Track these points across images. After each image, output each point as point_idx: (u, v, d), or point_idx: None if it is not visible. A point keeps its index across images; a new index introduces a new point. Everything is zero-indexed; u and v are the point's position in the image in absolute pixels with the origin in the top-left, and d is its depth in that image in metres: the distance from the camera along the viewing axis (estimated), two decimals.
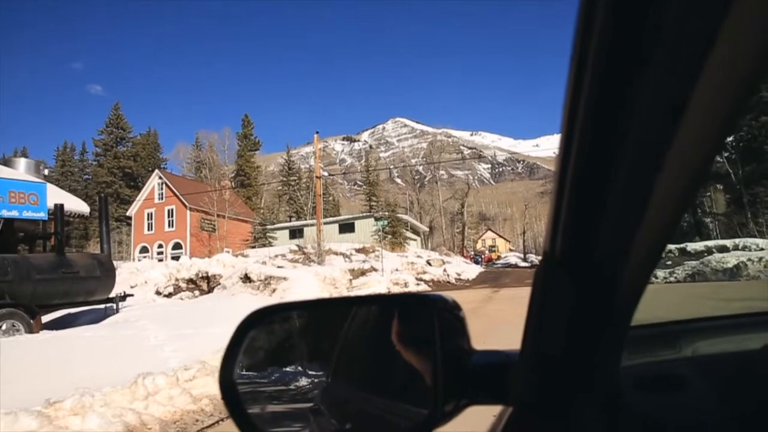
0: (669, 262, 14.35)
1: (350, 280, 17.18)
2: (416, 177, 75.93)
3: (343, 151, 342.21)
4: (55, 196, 11.78)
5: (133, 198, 43.73)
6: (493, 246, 73.24)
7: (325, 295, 13.48)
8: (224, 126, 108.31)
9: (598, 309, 0.49)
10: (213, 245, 35.63)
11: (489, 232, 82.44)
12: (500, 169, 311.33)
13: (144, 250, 38.39)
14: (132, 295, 12.10)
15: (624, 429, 0.57)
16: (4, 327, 7.90)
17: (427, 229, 50.22)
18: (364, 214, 37.24)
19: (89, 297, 9.72)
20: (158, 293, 16.81)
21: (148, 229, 38.82)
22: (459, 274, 23.54)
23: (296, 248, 23.87)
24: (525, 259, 50.56)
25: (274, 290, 13.87)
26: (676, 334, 0.94)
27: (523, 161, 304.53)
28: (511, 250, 73.22)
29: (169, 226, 37.93)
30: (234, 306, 11.38)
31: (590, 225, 0.45)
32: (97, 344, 6.75)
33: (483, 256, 50.71)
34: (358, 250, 24.25)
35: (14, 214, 9.84)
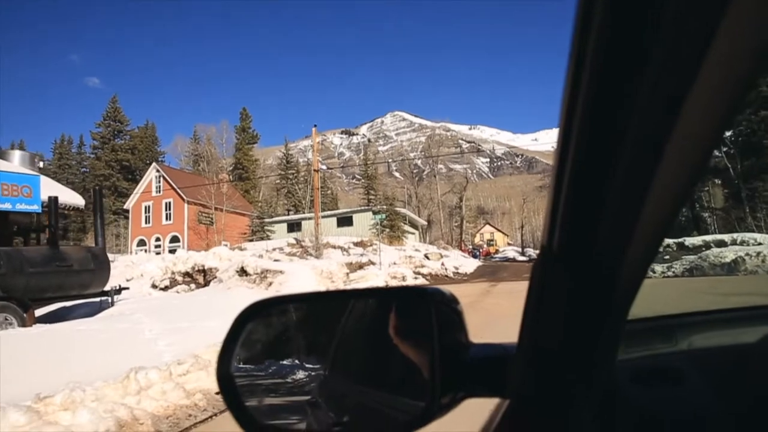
0: (667, 257, 14.39)
1: (347, 273, 17.13)
2: (414, 171, 75.94)
3: (341, 144, 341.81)
4: (50, 188, 11.70)
5: (130, 191, 43.59)
6: (491, 240, 73.29)
7: (322, 288, 13.45)
8: (222, 119, 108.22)
9: (596, 303, 0.50)
10: (211, 238, 35.56)
11: (487, 226, 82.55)
12: (499, 163, 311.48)
13: (141, 243, 38.34)
14: (127, 289, 12.05)
15: (621, 421, 0.58)
16: None
17: (426, 223, 50.21)
18: (363, 208, 37.28)
19: (83, 290, 9.64)
20: (154, 286, 16.74)
21: (146, 222, 38.75)
22: (457, 268, 23.54)
23: (294, 241, 23.82)
24: (523, 253, 50.69)
25: (270, 284, 13.81)
26: (672, 327, 0.95)
27: (522, 155, 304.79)
28: (509, 244, 73.36)
29: (166, 219, 37.84)
30: (229, 299, 11.33)
31: (588, 219, 0.45)
32: (90, 338, 6.68)
33: (481, 250, 50.78)
34: (356, 244, 24.18)
35: (7, 206, 9.77)
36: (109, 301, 10.73)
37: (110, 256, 12.74)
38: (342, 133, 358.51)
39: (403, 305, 0.67)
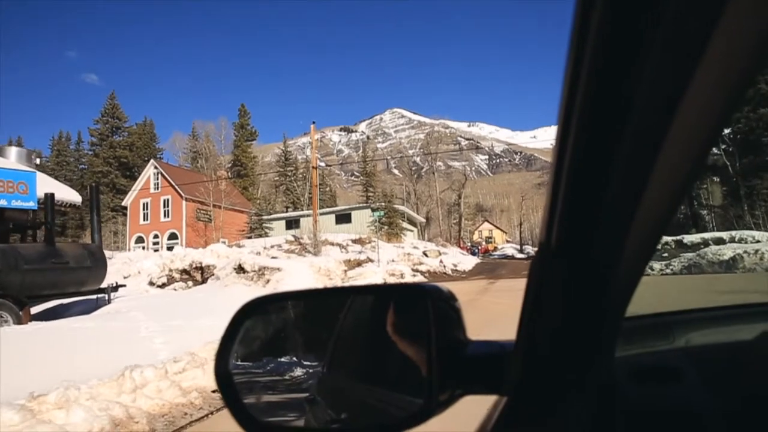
0: (666, 254, 14.39)
1: (345, 271, 17.14)
2: (413, 168, 75.69)
3: (340, 141, 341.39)
4: (46, 185, 11.63)
5: (128, 188, 43.46)
6: (490, 237, 73.48)
7: (319, 286, 13.42)
8: (221, 116, 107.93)
9: (594, 300, 0.50)
10: (209, 235, 35.51)
11: (486, 223, 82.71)
12: (497, 161, 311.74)
13: (140, 240, 38.25)
14: (124, 286, 12.02)
15: (618, 418, 0.57)
16: None
17: (424, 220, 50.24)
18: (361, 205, 37.19)
19: (80, 288, 9.61)
20: (151, 284, 16.70)
21: (144, 219, 38.65)
22: (455, 266, 23.59)
23: (292, 239, 23.83)
24: (521, 251, 50.79)
25: (267, 281, 13.79)
26: (670, 325, 0.95)
27: (521, 152, 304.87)
28: (507, 241, 73.47)
29: (164, 216, 37.74)
30: (226, 297, 11.33)
31: (586, 216, 0.45)
32: (86, 336, 6.66)
33: (480, 248, 50.88)
34: (355, 241, 24.20)
35: (3, 203, 9.71)
36: (106, 298, 10.70)
37: (108, 254, 12.70)
38: (341, 130, 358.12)
39: (401, 302, 0.67)
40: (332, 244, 22.65)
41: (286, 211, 44.49)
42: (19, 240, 11.82)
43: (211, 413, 4.37)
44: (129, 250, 33.59)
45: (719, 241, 14.66)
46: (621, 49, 0.35)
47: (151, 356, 5.51)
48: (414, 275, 19.21)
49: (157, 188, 38.17)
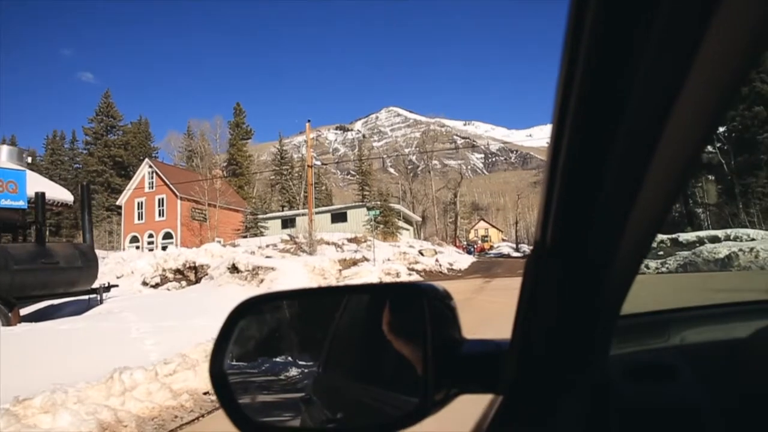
0: (661, 253, 14.41)
1: (340, 270, 17.08)
2: (409, 166, 75.83)
3: (336, 140, 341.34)
4: (37, 184, 11.52)
5: (123, 187, 43.20)
6: (486, 236, 73.51)
7: (314, 285, 13.35)
8: (216, 115, 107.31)
9: (589, 298, 0.50)
10: (204, 235, 35.38)
11: (482, 222, 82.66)
12: (493, 159, 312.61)
13: (134, 239, 38.09)
14: (117, 286, 11.94)
15: (613, 416, 0.58)
16: None
17: (420, 219, 50.26)
18: (357, 204, 37.17)
19: (70, 288, 9.52)
20: (145, 284, 16.59)
21: (139, 219, 38.50)
22: (451, 264, 23.57)
23: (288, 238, 23.75)
24: (517, 249, 50.88)
25: (261, 280, 13.71)
26: (664, 323, 0.95)
27: (516, 151, 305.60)
28: (503, 240, 73.61)
29: (159, 215, 37.60)
30: (220, 297, 11.26)
31: (581, 215, 0.46)
32: (75, 337, 6.57)
33: (475, 246, 50.98)
34: (350, 240, 24.18)
35: None
36: (98, 299, 10.60)
37: (102, 253, 12.61)
38: (336, 128, 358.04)
39: (396, 301, 0.67)
40: (328, 243, 22.61)
41: (282, 210, 44.44)
42: (10, 240, 11.69)
43: (202, 416, 4.33)
44: (123, 249, 33.43)
45: (714, 239, 14.71)
46: (615, 49, 0.35)
47: (142, 358, 5.43)
48: (410, 274, 19.20)
49: (152, 187, 38.01)
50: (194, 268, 17.05)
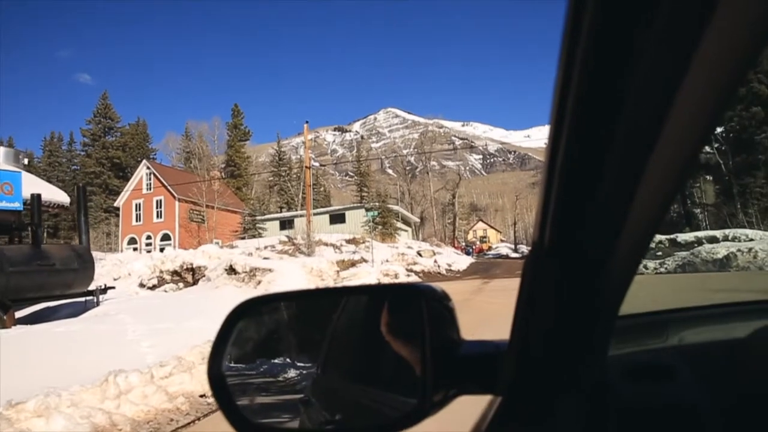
0: (660, 253, 14.42)
1: (337, 271, 17.02)
2: (407, 167, 75.94)
3: (334, 141, 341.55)
4: (33, 185, 11.49)
5: (121, 189, 43.13)
6: (484, 237, 73.51)
7: (312, 287, 13.31)
8: (214, 116, 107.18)
9: (587, 299, 0.50)
10: (202, 236, 35.35)
11: (480, 222, 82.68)
12: (491, 160, 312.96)
13: (132, 241, 38.03)
14: (113, 288, 11.90)
15: (612, 417, 0.58)
16: None
17: (418, 220, 50.28)
18: (355, 205, 37.18)
19: (66, 290, 9.48)
20: (142, 285, 16.52)
21: (137, 220, 38.44)
22: (450, 265, 23.56)
23: (286, 239, 23.71)
24: (516, 250, 50.97)
25: (259, 282, 13.65)
26: (663, 323, 0.96)
27: (515, 152, 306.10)
28: (502, 240, 73.62)
29: (157, 217, 37.54)
30: (217, 299, 11.19)
31: (579, 215, 0.46)
32: (70, 340, 6.52)
33: (474, 247, 51.02)
34: (349, 241, 24.14)
35: None
36: (95, 301, 10.55)
37: (99, 255, 12.56)
38: (335, 130, 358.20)
39: (394, 302, 0.67)
40: (326, 244, 22.56)
41: (280, 212, 44.42)
42: (6, 242, 11.63)
43: (198, 419, 4.30)
44: (121, 251, 33.32)
45: (713, 240, 14.72)
46: (613, 49, 0.35)
47: (138, 360, 5.39)
48: (408, 275, 19.17)
49: (150, 189, 37.94)
50: (191, 270, 16.98)
